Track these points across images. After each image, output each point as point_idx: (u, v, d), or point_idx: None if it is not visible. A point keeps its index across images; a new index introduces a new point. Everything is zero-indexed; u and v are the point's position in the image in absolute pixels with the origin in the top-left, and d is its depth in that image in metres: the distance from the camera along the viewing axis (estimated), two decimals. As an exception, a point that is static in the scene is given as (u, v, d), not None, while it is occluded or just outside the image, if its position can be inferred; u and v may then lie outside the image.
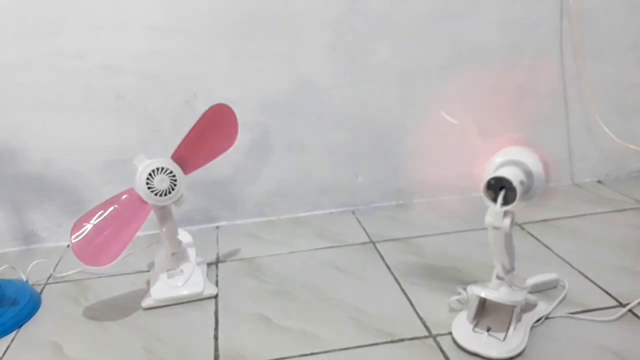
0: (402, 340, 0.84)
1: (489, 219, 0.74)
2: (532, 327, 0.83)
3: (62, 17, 1.10)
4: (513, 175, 0.71)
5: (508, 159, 0.74)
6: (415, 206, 1.36)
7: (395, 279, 1.02)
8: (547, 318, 0.86)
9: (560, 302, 0.89)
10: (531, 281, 0.91)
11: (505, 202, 0.72)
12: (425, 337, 0.84)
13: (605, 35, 1.30)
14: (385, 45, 1.23)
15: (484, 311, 0.85)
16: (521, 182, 0.71)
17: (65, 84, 1.14)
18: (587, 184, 1.41)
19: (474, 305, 0.83)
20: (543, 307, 0.87)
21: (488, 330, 0.81)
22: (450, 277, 1.00)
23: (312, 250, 1.16)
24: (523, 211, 1.23)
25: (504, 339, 0.80)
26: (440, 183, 1.38)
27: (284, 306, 0.95)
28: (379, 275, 1.04)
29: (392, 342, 0.84)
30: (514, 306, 0.81)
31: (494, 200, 0.72)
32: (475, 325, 0.83)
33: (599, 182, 1.41)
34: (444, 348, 0.81)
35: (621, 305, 0.88)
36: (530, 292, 0.88)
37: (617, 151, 1.37)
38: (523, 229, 1.18)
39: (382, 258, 1.10)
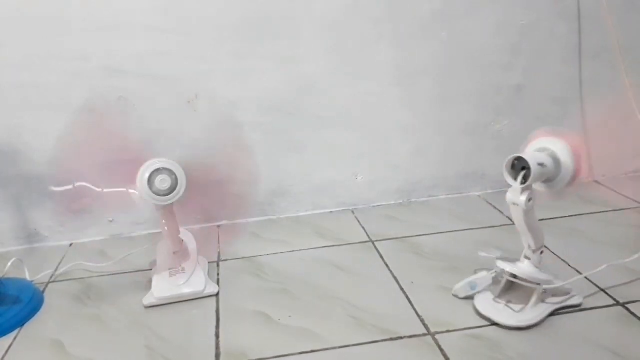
0: (401, 338, 0.85)
1: (508, 195, 0.81)
2: (556, 312, 0.87)
3: (65, 18, 1.11)
4: (532, 157, 0.77)
5: (541, 147, 0.83)
6: (414, 205, 1.37)
7: (394, 278, 1.03)
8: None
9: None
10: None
11: (525, 181, 0.78)
12: (424, 335, 0.85)
13: (601, 37, 1.30)
14: (384, 46, 1.24)
15: (511, 288, 0.90)
16: (540, 164, 0.77)
17: (68, 84, 1.15)
18: (584, 183, 1.41)
19: (503, 282, 0.89)
20: (575, 299, 0.89)
21: (508, 302, 0.86)
22: (448, 276, 1.01)
23: (312, 249, 1.17)
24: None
25: (519, 310, 0.85)
26: (439, 182, 1.39)
27: (284, 304, 0.96)
28: (378, 273, 1.05)
29: (391, 339, 0.85)
30: (537, 284, 0.85)
31: (516, 179, 0.79)
32: (497, 297, 0.88)
33: (596, 182, 1.41)
34: (443, 346, 0.82)
35: (619, 303, 0.89)
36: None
37: (614, 151, 1.38)
38: (521, 228, 1.19)
39: (382, 257, 1.11)
